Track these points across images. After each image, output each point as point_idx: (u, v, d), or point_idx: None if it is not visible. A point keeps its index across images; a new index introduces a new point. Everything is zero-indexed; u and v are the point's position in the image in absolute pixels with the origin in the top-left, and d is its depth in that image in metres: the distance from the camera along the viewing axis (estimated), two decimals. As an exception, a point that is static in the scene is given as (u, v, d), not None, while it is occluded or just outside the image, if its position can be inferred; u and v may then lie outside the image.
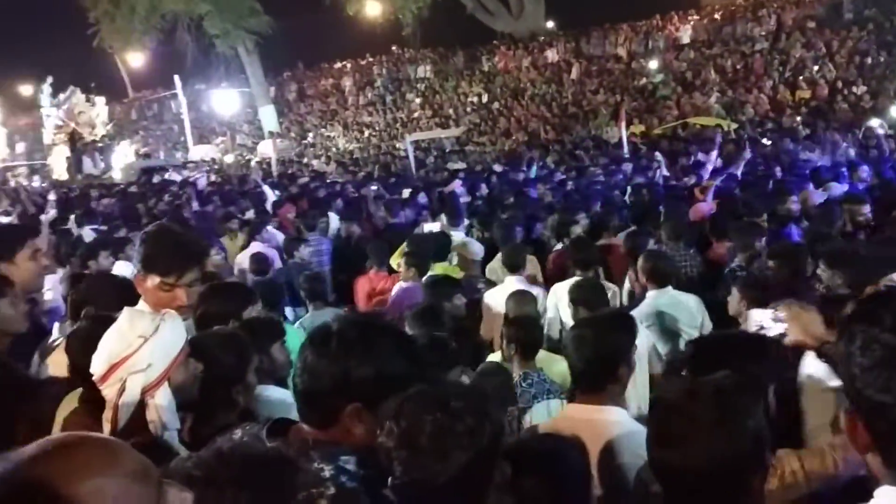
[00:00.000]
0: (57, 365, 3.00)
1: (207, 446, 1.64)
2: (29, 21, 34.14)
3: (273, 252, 8.09)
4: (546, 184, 11.61)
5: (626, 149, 16.88)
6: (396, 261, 6.81)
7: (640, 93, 26.56)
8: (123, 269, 5.62)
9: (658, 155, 13.22)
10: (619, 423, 2.55)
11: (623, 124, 17.78)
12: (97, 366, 2.17)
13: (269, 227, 9.16)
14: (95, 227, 10.02)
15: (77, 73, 28.24)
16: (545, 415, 3.49)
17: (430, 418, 1.77)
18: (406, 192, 12.06)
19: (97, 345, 2.22)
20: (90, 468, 1.16)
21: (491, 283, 6.26)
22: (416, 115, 31.87)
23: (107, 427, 2.14)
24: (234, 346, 2.68)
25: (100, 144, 26.13)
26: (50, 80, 26.84)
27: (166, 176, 21.77)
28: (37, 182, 23.06)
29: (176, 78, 31.00)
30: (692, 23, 29.95)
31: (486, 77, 32.52)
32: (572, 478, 2.08)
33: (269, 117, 34.18)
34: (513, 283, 5.77)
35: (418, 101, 32.94)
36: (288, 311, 6.58)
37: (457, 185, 12.56)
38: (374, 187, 13.90)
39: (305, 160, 26.37)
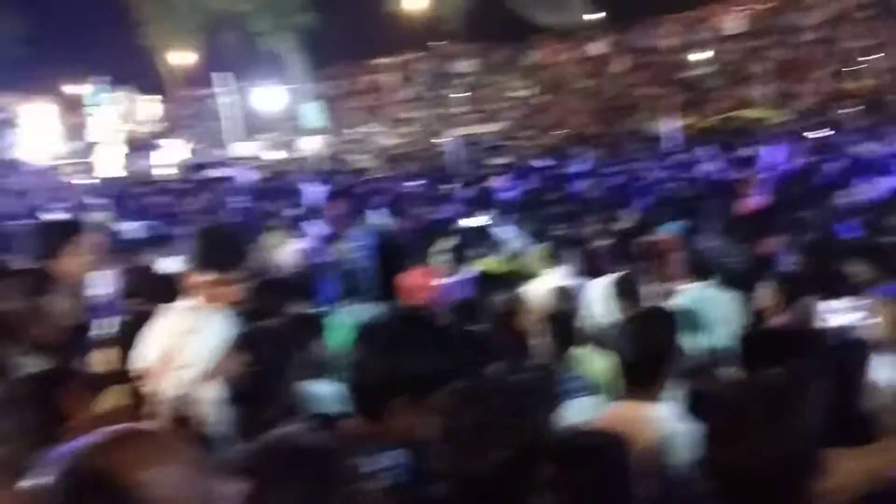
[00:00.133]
0: (99, 359, 3.05)
1: (257, 438, 1.66)
2: (77, 22, 34.84)
3: (315, 248, 8.12)
4: (589, 179, 11.52)
5: (671, 143, 16.67)
6: (438, 257, 6.80)
7: (685, 85, 26.24)
8: (170, 264, 5.70)
9: (704, 149, 13.02)
10: (667, 419, 2.51)
11: (669, 117, 17.56)
12: (143, 361, 2.20)
13: (311, 224, 9.21)
14: (141, 223, 10.17)
15: (125, 72, 28.80)
16: (579, 412, 3.45)
17: (470, 413, 1.76)
18: (448, 188, 12.06)
19: (141, 339, 2.24)
20: (151, 458, 1.19)
21: (532, 277, 6.23)
22: (457, 110, 31.85)
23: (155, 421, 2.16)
24: (279, 340, 2.70)
25: (147, 142, 26.61)
26: (99, 79, 27.41)
27: (212, 173, 22.06)
28: (86, 179, 23.53)
29: (222, 76, 31.40)
30: (739, 14, 29.45)
31: (528, 72, 32.38)
32: (614, 474, 2.06)
33: (312, 114, 34.45)
34: (554, 276, 5.74)
35: (460, 96, 32.90)
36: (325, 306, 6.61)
37: (499, 181, 12.52)
38: (414, 183, 13.95)
39: (348, 156, 26.52)
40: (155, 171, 25.35)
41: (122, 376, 2.50)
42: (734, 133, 18.41)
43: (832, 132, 15.37)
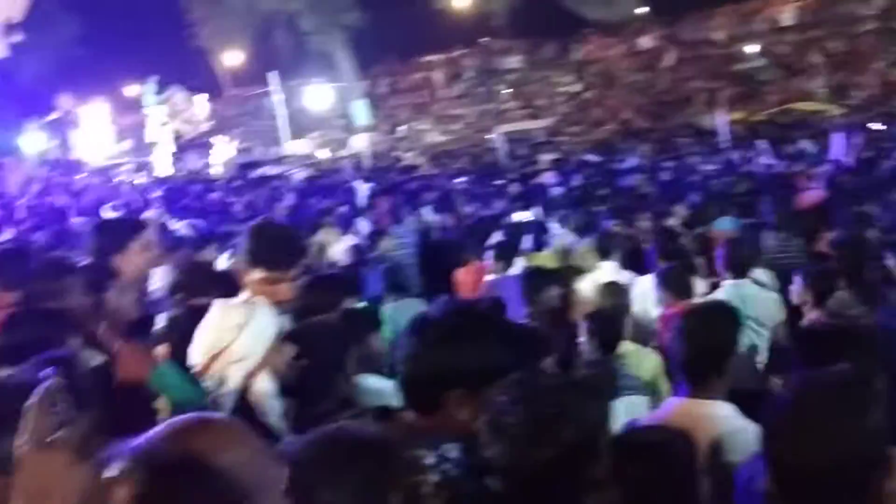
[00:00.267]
0: (159, 353, 3.11)
1: (313, 430, 1.67)
2: (132, 24, 35.64)
3: (363, 244, 8.18)
4: (640, 174, 11.39)
5: (725, 136, 16.39)
6: (487, 253, 6.80)
7: (739, 78, 25.78)
8: (223, 261, 5.80)
9: (759, 142, 12.78)
10: (726, 417, 2.47)
11: (722, 111, 17.28)
12: (196, 357, 2.23)
13: (360, 220, 9.28)
14: (194, 220, 10.31)
15: (178, 73, 29.35)
16: (624, 411, 3.41)
17: (526, 408, 1.74)
18: (496, 184, 12.04)
19: (193, 335, 2.27)
20: (229, 442, 1.23)
21: (581, 273, 6.20)
22: (506, 106, 31.77)
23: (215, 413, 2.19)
24: (333, 335, 2.72)
25: (200, 141, 27.08)
26: (153, 80, 27.99)
27: (263, 171, 22.34)
28: (142, 178, 24.02)
29: (272, 75, 31.78)
30: (793, 4, 28.79)
31: (577, 66, 32.13)
32: (679, 470, 2.03)
33: (361, 112, 34.69)
34: (607, 269, 5.70)
35: (508, 92, 32.81)
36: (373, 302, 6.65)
37: (549, 176, 12.45)
38: (463, 180, 13.96)
39: (397, 154, 26.65)
40: (208, 170, 25.77)
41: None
42: (789, 126, 18.03)
43: (892, 124, 14.95)
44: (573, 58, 32.83)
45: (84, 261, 3.63)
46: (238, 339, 2.22)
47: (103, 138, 29.74)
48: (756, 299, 4.89)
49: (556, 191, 10.53)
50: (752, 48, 26.99)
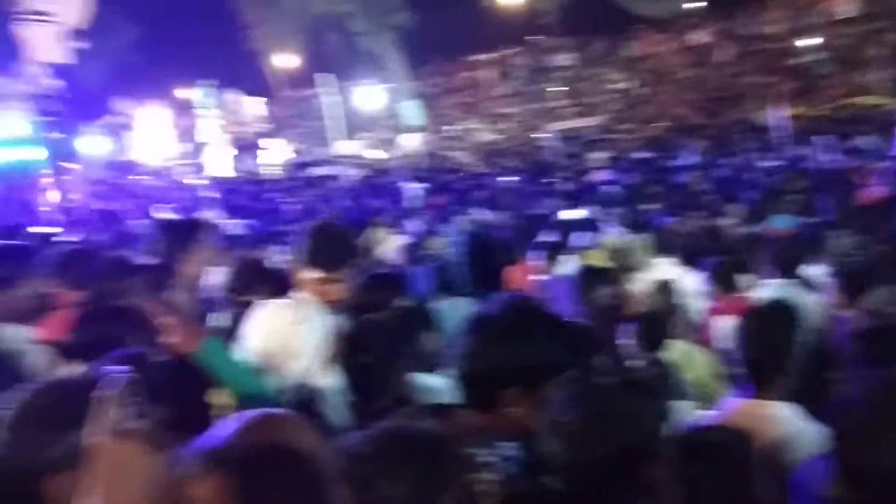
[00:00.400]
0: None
1: (370, 426, 1.69)
2: (188, 29, 36.37)
3: (414, 243, 8.22)
4: (695, 171, 11.23)
5: (781, 132, 16.06)
6: (539, 251, 6.78)
7: (796, 73, 25.21)
8: (278, 260, 5.89)
9: (818, 138, 12.50)
10: (787, 418, 2.41)
11: (778, 107, 16.93)
12: (254, 353, 2.25)
13: (411, 220, 9.34)
14: (249, 220, 10.49)
15: (232, 76, 29.84)
16: (676, 411, 3.36)
17: (584, 405, 1.74)
18: (547, 183, 11.98)
19: (248, 333, 2.30)
20: (304, 432, 1.33)
21: (634, 271, 6.16)
22: (556, 104, 31.60)
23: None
24: (388, 333, 2.74)
25: (254, 142, 27.51)
26: (208, 82, 28.53)
27: (316, 171, 22.60)
28: (197, 179, 24.47)
29: (323, 76, 32.13)
30: (853, -4, 28.08)
31: (629, 63, 31.81)
32: (738, 471, 2.00)
33: (411, 111, 34.86)
34: (664, 266, 5.65)
35: (558, 90, 32.63)
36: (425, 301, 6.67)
37: (600, 174, 12.36)
38: (512, 178, 13.95)
39: (447, 153, 26.71)
40: (261, 171, 26.16)
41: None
42: (848, 121, 17.59)
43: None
44: (624, 54, 32.50)
45: (143, 260, 3.73)
46: (295, 336, 2.26)
47: (160, 141, 30.41)
48: (800, 299, 4.81)
49: (608, 189, 10.44)
50: (809, 41, 26.36)
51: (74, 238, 8.39)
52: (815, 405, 2.37)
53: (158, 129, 30.84)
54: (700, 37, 30.51)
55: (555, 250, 6.39)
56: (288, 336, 2.28)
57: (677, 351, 4.13)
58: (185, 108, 37.69)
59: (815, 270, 5.17)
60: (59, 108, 26.09)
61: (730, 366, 4.20)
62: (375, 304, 3.43)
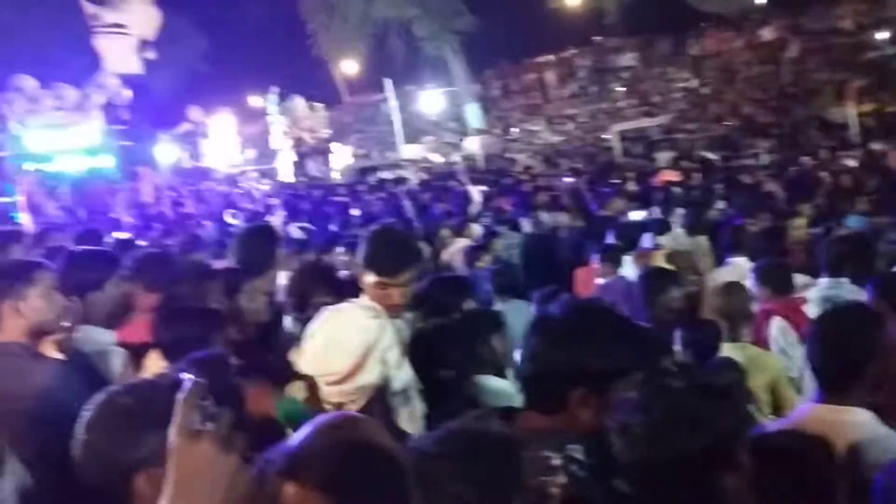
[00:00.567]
0: (292, 356, 3.23)
1: (438, 428, 1.72)
2: (255, 38, 37.14)
3: (478, 246, 8.23)
4: (765, 170, 10.99)
5: (855, 130, 15.57)
6: (603, 253, 6.74)
7: (869, 68, 24.35)
8: (344, 265, 5.98)
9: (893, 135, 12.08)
10: (864, 424, 2.34)
11: (851, 103, 16.42)
12: (345, 360, 2.24)
13: (475, 223, 9.35)
14: (305, 225, 10.57)
15: (299, 82, 30.32)
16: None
17: (658, 408, 1.72)
18: (613, 184, 11.85)
19: (317, 337, 2.30)
20: (380, 432, 1.37)
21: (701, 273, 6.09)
22: (620, 104, 31.25)
23: (345, 409, 2.26)
24: (457, 337, 2.77)
25: (320, 147, 27.88)
26: (275, 90, 29.06)
27: (381, 175, 22.78)
28: (265, 185, 24.93)
29: (387, 81, 32.40)
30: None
31: (694, 61, 31.23)
32: (815, 477, 1.96)
33: (474, 115, 34.88)
34: (726, 271, 5.56)
35: (622, 90, 32.26)
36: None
37: (666, 175, 12.19)
38: (571, 179, 13.84)
39: (510, 155, 26.65)
40: (327, 176, 26.51)
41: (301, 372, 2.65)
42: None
43: None
44: (690, 52, 31.93)
45: (219, 265, 3.84)
46: (381, 338, 2.27)
47: (229, 147, 31.09)
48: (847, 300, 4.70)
49: (674, 189, 10.29)
50: (882, 35, 25.46)
51: (150, 243, 8.65)
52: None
53: (228, 136, 31.53)
54: (768, 33, 29.78)
55: (619, 252, 6.35)
56: (377, 337, 2.29)
57: (744, 353, 4.07)
58: (254, 115, 38.50)
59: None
60: (133, 118, 26.95)
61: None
62: (444, 307, 3.45)
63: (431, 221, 10.18)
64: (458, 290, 3.72)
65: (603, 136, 26.52)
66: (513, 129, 34.02)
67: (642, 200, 9.77)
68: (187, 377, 1.35)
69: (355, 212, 13.07)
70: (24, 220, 14.31)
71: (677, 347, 4.06)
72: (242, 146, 32.42)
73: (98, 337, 3.32)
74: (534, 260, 8.34)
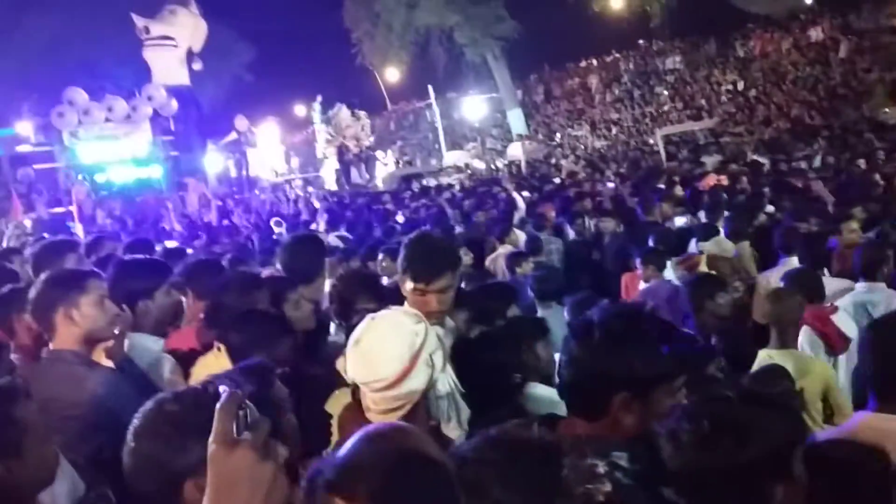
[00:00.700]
0: (340, 364, 3.26)
1: (480, 434, 1.72)
2: (299, 48, 37.69)
3: (518, 253, 8.20)
4: (816, 173, 10.77)
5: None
6: (649, 258, 6.67)
7: (924, 67, 23.78)
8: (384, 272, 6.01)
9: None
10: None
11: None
12: (393, 365, 2.23)
13: (519, 229, 9.32)
14: (356, 233, 10.65)
15: (342, 91, 30.63)
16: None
17: (703, 417, 1.70)
18: (656, 188, 11.73)
19: (361, 345, 2.30)
20: (426, 440, 1.39)
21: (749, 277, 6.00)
22: (665, 108, 30.93)
23: (389, 420, 2.25)
24: (502, 344, 2.76)
25: (364, 155, 28.06)
26: (320, 98, 29.38)
27: (424, 182, 22.86)
28: (311, 193, 25.18)
29: (430, 88, 32.54)
30: None
31: (741, 63, 30.78)
32: (870, 487, 1.91)
33: (517, 120, 34.85)
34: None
35: (668, 93, 31.93)
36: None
37: (712, 178, 12.01)
38: (610, 184, 13.73)
39: (553, 161, 26.54)
40: (370, 183, 26.67)
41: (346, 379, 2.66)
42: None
43: None
44: (736, 54, 31.48)
45: (268, 272, 3.89)
46: (427, 341, 2.27)
47: (275, 156, 31.48)
48: (888, 305, 4.59)
49: (720, 193, 10.13)
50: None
51: (198, 251, 8.80)
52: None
53: (274, 145, 31.95)
54: (818, 33, 29.22)
55: (662, 255, 6.30)
56: (423, 342, 2.29)
57: (794, 360, 3.99)
58: (298, 124, 38.97)
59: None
60: (180, 128, 27.47)
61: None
62: (489, 314, 3.45)
63: (474, 228, 10.17)
64: (502, 297, 3.72)
65: (649, 141, 26.27)
66: (556, 135, 33.88)
67: (689, 205, 9.65)
68: (224, 387, 1.37)
69: (400, 218, 13.13)
70: (77, 229, 14.69)
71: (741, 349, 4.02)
72: (287, 155, 32.81)
73: (147, 344, 3.38)
74: (576, 266, 8.29)
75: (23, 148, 25.89)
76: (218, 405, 1.31)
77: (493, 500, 1.52)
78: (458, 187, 19.10)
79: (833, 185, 9.57)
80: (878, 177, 9.83)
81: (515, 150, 27.78)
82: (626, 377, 1.84)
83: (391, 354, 2.21)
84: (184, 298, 3.86)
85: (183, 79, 29.21)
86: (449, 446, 1.94)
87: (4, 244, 9.53)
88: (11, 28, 32.79)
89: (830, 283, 5.13)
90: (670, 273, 6.37)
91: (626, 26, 32.72)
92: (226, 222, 16.42)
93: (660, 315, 4.81)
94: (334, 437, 2.37)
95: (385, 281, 4.53)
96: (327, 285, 4.15)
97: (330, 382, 2.65)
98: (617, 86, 34.80)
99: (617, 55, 36.30)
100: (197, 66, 29.71)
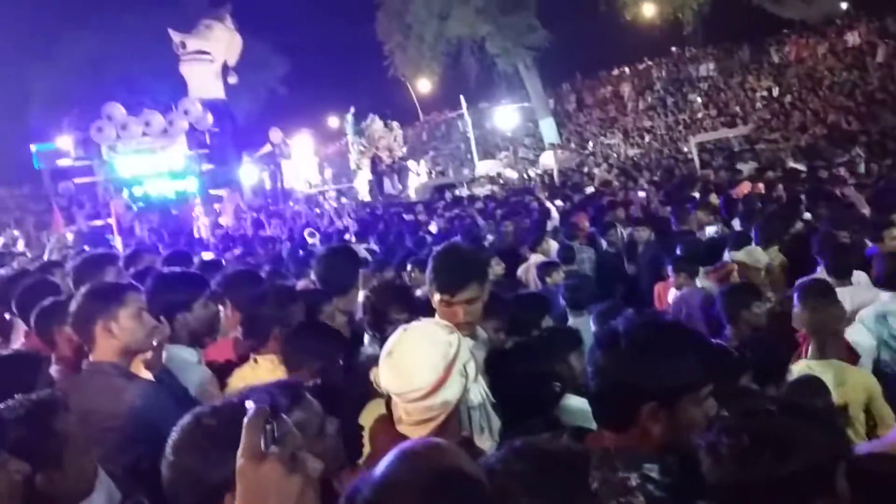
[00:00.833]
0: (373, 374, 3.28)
1: (507, 444, 1.73)
2: (332, 60, 38.08)
3: (549, 263, 8.18)
4: (854, 180, 10.60)
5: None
6: (681, 266, 6.61)
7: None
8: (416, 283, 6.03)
9: None
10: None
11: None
12: (424, 379, 2.24)
13: (551, 238, 9.30)
14: (369, 247, 10.67)
15: (375, 102, 30.84)
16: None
17: (744, 431, 1.68)
18: (689, 197, 11.61)
19: (394, 355, 2.31)
20: (462, 455, 1.42)
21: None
22: (699, 115, 30.66)
23: (422, 431, 2.26)
24: (536, 355, 2.76)
25: (396, 166, 28.19)
26: (353, 110, 29.61)
27: (456, 192, 22.89)
28: (344, 204, 25.34)
29: (461, 98, 32.62)
30: None
31: (776, 69, 30.42)
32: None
33: (549, 129, 34.80)
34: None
35: (701, 100, 31.66)
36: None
37: (746, 186, 11.86)
38: (641, 193, 13.62)
39: (586, 170, 26.44)
40: (403, 193, 26.77)
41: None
42: None
43: None
44: (771, 60, 31.13)
45: (302, 285, 3.92)
46: (460, 351, 2.27)
47: (309, 168, 31.76)
48: None
49: (754, 201, 10.01)
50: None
51: (232, 263, 8.90)
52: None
53: (307, 157, 32.23)
54: (855, 38, 28.80)
55: (694, 262, 6.25)
56: (456, 351, 2.29)
57: (834, 371, 3.92)
58: (331, 135, 39.29)
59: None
60: (215, 141, 27.85)
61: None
62: (524, 325, 3.45)
63: (504, 238, 10.17)
64: (537, 307, 3.71)
65: (683, 149, 26.05)
66: (589, 143, 33.74)
67: (722, 213, 9.55)
68: (251, 402, 1.39)
69: (433, 228, 13.16)
70: (116, 241, 14.95)
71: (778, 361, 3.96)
72: (321, 166, 33.08)
73: (184, 356, 3.42)
74: (608, 276, 8.27)
75: (63, 162, 26.44)
76: (245, 420, 1.34)
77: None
78: (490, 197, 19.09)
79: (872, 191, 9.40)
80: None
81: (548, 159, 27.71)
82: (652, 386, 1.83)
83: (426, 364, 2.21)
84: (221, 308, 3.91)
85: (218, 92, 29.62)
86: (480, 457, 1.95)
87: (46, 257, 9.73)
88: (53, 46, 33.60)
89: (859, 294, 5.05)
90: (703, 281, 6.32)
91: (658, 34, 32.50)
92: (261, 233, 16.59)
93: (693, 324, 4.77)
94: (366, 449, 2.38)
95: (418, 292, 4.54)
96: (361, 296, 4.18)
97: (363, 394, 2.67)
98: (650, 93, 34.58)
99: (649, 63, 36.11)
100: (232, 79, 30.11)
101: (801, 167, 14.94)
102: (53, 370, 3.31)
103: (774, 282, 6.35)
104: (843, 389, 3.78)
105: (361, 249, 9.91)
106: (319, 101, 39.18)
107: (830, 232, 6.47)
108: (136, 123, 26.07)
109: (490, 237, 10.88)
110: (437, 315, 2.93)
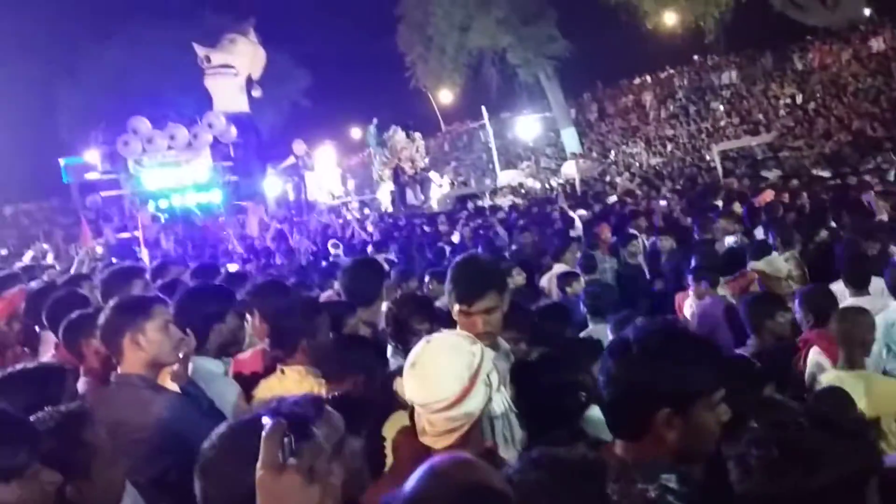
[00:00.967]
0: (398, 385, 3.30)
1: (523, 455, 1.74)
2: (354, 72, 38.32)
3: (569, 273, 8.17)
4: (882, 188, 10.50)
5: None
6: (701, 275, 6.58)
7: None
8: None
9: None
10: None
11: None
12: (448, 390, 2.24)
13: (572, 248, 9.28)
14: (388, 257, 10.68)
15: (397, 113, 30.95)
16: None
17: (775, 443, 1.67)
18: (713, 206, 11.55)
19: (412, 366, 2.32)
20: (490, 470, 1.44)
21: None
22: (722, 123, 30.47)
23: (445, 441, 2.27)
24: (560, 365, 2.77)
25: (419, 176, 28.27)
26: (375, 121, 29.76)
27: (478, 203, 22.90)
28: (366, 215, 25.43)
29: (483, 109, 32.67)
30: None
31: (800, 76, 30.17)
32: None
33: (570, 139, 34.75)
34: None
35: (724, 108, 31.47)
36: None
37: (768, 194, 11.77)
38: (663, 202, 13.56)
39: (608, 179, 26.36)
40: (425, 204, 26.82)
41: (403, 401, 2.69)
42: None
43: None
44: (794, 67, 30.88)
45: (325, 297, 3.96)
46: (483, 361, 2.28)
47: (332, 179, 31.93)
48: None
49: (777, 209, 9.95)
50: None
51: (256, 274, 8.97)
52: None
53: (330, 168, 32.41)
54: (880, 44, 28.52)
55: (714, 272, 6.23)
56: (480, 360, 2.30)
57: (865, 382, 3.89)
58: (354, 146, 39.48)
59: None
60: (239, 154, 28.11)
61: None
62: (548, 335, 3.46)
63: (522, 248, 10.17)
64: (559, 318, 3.72)
65: (705, 157, 25.91)
66: (611, 153, 33.64)
67: (746, 223, 9.49)
68: (267, 418, 1.43)
69: (455, 238, 13.18)
70: (143, 254, 15.10)
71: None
72: (344, 178, 33.25)
73: (209, 367, 3.46)
74: (629, 286, 8.25)
75: (91, 175, 26.80)
76: (263, 434, 1.38)
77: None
78: (512, 207, 19.07)
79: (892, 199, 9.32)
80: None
81: (570, 169, 27.66)
82: (665, 392, 1.84)
83: (450, 375, 2.21)
84: (249, 318, 3.94)
85: (242, 105, 29.90)
86: (503, 467, 1.96)
87: (76, 269, 9.86)
88: (80, 61, 34.13)
89: (873, 303, 5.01)
90: (723, 290, 6.29)
91: (679, 42, 32.37)
92: (284, 244, 16.70)
93: (718, 334, 4.75)
94: (388, 461, 2.40)
95: (437, 304, 4.56)
96: (384, 307, 4.21)
97: (387, 405, 2.68)
98: (672, 102, 34.41)
99: (671, 71, 35.95)
100: (256, 92, 30.38)
101: (825, 174, 14.81)
102: (82, 382, 3.36)
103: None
104: (873, 400, 3.75)
105: (381, 260, 9.92)
106: (342, 113, 39.43)
107: (853, 241, 6.42)
108: (161, 137, 26.37)
109: (512, 247, 10.89)
110: (457, 326, 2.95)
